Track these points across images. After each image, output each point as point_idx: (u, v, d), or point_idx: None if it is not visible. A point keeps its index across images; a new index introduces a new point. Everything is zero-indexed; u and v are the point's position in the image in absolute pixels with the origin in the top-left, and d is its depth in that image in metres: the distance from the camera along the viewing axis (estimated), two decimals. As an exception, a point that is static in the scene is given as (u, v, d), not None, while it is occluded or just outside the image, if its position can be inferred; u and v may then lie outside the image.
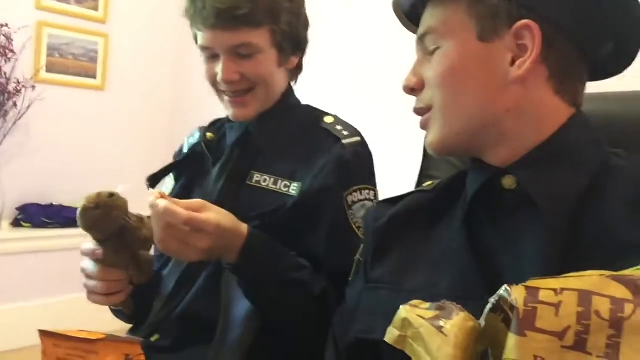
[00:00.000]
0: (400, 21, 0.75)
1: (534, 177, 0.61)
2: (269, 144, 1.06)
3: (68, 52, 2.86)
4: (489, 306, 0.48)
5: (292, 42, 1.07)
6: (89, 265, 0.93)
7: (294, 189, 1.00)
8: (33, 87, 2.60)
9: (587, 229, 0.58)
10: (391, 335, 0.53)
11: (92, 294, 0.94)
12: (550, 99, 0.64)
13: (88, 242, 0.92)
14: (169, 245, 0.83)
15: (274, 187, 1.02)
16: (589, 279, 0.47)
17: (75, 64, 2.89)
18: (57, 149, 2.83)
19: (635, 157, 0.64)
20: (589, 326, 0.43)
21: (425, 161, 1.00)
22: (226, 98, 1.05)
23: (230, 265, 0.88)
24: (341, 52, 2.40)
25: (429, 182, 0.79)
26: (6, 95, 2.52)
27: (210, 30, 0.99)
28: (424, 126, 0.70)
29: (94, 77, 2.96)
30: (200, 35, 1.02)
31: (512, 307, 0.45)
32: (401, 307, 0.52)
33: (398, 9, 0.74)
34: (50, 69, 2.78)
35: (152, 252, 0.99)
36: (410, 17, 0.73)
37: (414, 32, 0.72)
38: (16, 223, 2.68)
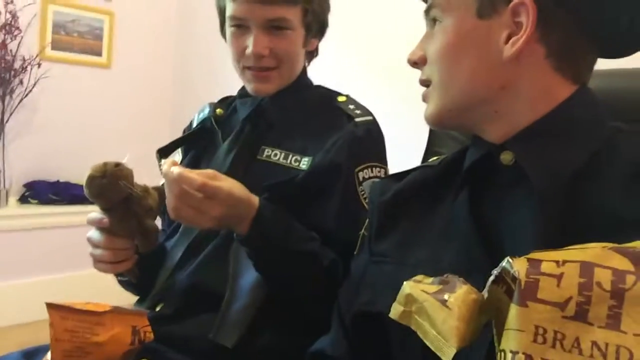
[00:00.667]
0: None
1: (529, 152, 0.61)
2: (281, 120, 1.07)
3: (73, 29, 2.85)
4: (491, 278, 0.48)
5: (318, 24, 1.10)
6: (95, 234, 0.94)
7: (304, 163, 1.01)
8: (39, 64, 2.60)
9: (585, 206, 0.58)
10: (395, 311, 0.54)
11: (99, 263, 0.96)
12: (548, 76, 0.63)
13: (94, 212, 0.93)
14: (182, 213, 0.83)
15: (284, 161, 1.02)
16: (591, 250, 0.47)
17: (80, 41, 2.88)
18: (63, 126, 2.84)
19: (633, 130, 0.63)
20: (590, 297, 0.43)
21: (431, 137, 1.00)
22: (248, 72, 1.06)
23: (241, 235, 0.89)
24: (350, 34, 2.38)
25: (435, 158, 0.79)
26: (12, 72, 2.52)
27: (246, 3, 1.00)
28: (424, 98, 0.70)
29: (99, 54, 2.96)
30: (232, 5, 1.02)
31: (514, 279, 0.45)
32: (405, 283, 0.53)
33: None
34: (55, 46, 2.78)
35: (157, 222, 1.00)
36: None
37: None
38: (24, 199, 2.70)
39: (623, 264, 0.45)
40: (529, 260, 0.47)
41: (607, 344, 0.43)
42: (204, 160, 1.12)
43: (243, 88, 1.15)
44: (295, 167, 1.01)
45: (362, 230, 0.79)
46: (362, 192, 0.99)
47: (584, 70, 0.66)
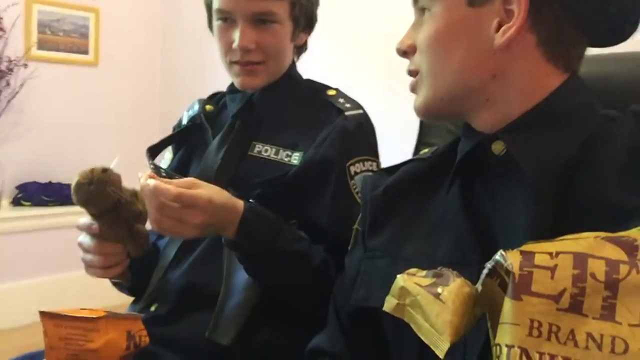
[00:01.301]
0: None
1: (521, 142, 0.61)
2: (272, 115, 1.06)
3: (59, 28, 2.82)
4: (485, 271, 0.48)
5: (307, 18, 1.08)
6: (86, 239, 0.93)
7: (295, 158, 1.00)
8: (25, 65, 2.58)
9: (579, 195, 0.58)
10: (389, 304, 0.54)
11: (90, 268, 0.95)
12: (539, 65, 0.63)
13: (84, 217, 0.92)
14: (163, 224, 0.83)
15: (275, 157, 1.02)
16: (584, 241, 0.47)
17: (66, 40, 2.86)
18: (53, 126, 2.82)
19: (624, 116, 0.63)
20: (584, 288, 0.43)
21: (423, 128, 1.00)
22: (235, 66, 1.05)
23: (228, 241, 0.88)
24: (340, 28, 2.36)
25: (425, 150, 0.79)
26: (-1, 74, 2.50)
27: None
28: (413, 89, 0.69)
29: (86, 52, 2.93)
30: None
31: (508, 272, 0.45)
32: (398, 276, 0.53)
33: None
34: (41, 46, 2.75)
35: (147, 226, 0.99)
36: None
37: None
38: (16, 202, 2.69)
39: (616, 253, 0.45)
40: (522, 252, 0.46)
41: (602, 335, 0.43)
42: (195, 158, 1.11)
43: (232, 84, 1.14)
44: (286, 163, 1.00)
45: (356, 225, 0.78)
46: (354, 186, 0.99)
47: (574, 59, 0.65)
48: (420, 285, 0.50)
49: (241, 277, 0.92)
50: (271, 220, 0.91)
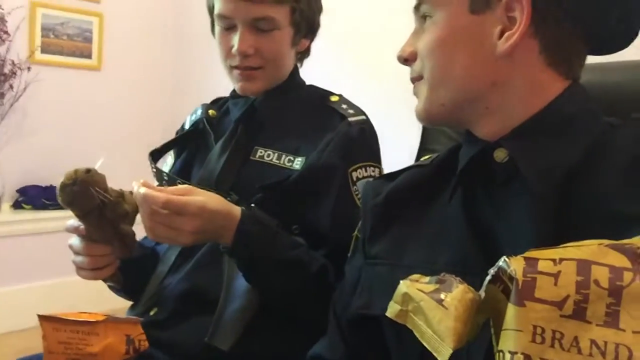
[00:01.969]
0: None
1: (524, 150, 0.60)
2: (274, 120, 1.07)
3: (63, 32, 2.83)
4: (488, 277, 0.48)
5: (308, 24, 1.09)
6: (75, 241, 0.94)
7: (297, 163, 1.00)
8: (29, 68, 2.59)
9: (581, 202, 0.58)
10: (392, 309, 0.53)
11: (80, 270, 0.96)
12: (541, 72, 0.63)
13: (72, 219, 0.93)
14: (157, 232, 0.84)
15: (277, 161, 1.02)
16: (588, 248, 0.47)
17: (70, 44, 2.86)
18: (55, 129, 2.82)
19: (626, 125, 0.63)
20: (588, 295, 0.43)
21: (425, 135, 1.00)
22: (235, 71, 1.05)
23: (226, 247, 0.88)
24: (343, 34, 2.37)
25: (426, 156, 0.79)
26: (2, 77, 2.50)
27: (233, 1, 0.99)
28: (415, 95, 0.70)
29: (89, 57, 2.94)
30: (220, 3, 1.02)
31: (511, 278, 0.45)
32: (401, 281, 0.52)
33: None
34: (45, 49, 2.76)
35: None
36: None
37: None
38: (17, 205, 2.69)
39: (620, 261, 0.45)
40: (525, 259, 0.46)
41: (605, 342, 0.42)
42: (197, 162, 1.11)
43: (235, 89, 1.14)
44: (288, 167, 1.00)
45: (356, 232, 0.78)
46: (357, 192, 0.99)
47: (575, 66, 0.65)
48: (423, 292, 0.50)
49: (241, 282, 0.92)
50: (268, 227, 0.91)
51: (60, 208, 2.86)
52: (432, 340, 0.49)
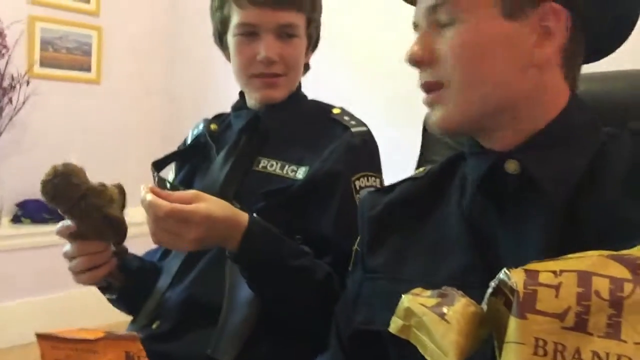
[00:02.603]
0: None
1: (539, 161, 0.61)
2: (278, 131, 1.07)
3: (62, 46, 2.84)
4: (489, 290, 0.48)
5: (316, 36, 1.12)
6: (68, 246, 0.94)
7: (301, 173, 1.01)
8: (28, 82, 2.59)
9: (587, 212, 0.58)
10: (395, 324, 0.53)
11: (77, 274, 0.95)
12: (559, 83, 0.64)
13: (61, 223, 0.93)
14: (160, 237, 0.84)
15: (280, 171, 1.02)
16: (588, 259, 0.47)
17: (69, 57, 2.87)
18: (54, 143, 2.82)
19: (623, 134, 0.64)
20: (589, 306, 0.43)
21: (424, 146, 1.00)
22: (256, 80, 1.06)
23: (231, 254, 0.88)
24: (339, 45, 2.38)
25: (421, 169, 0.79)
26: (1, 91, 2.51)
27: (258, 8, 1.01)
28: (432, 102, 0.66)
29: (88, 70, 2.95)
30: (242, 12, 1.03)
31: (513, 290, 0.45)
32: (403, 296, 0.53)
33: None
34: (44, 63, 2.77)
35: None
36: None
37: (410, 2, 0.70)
38: (16, 219, 2.68)
39: (620, 272, 0.45)
40: (526, 271, 0.47)
41: (607, 354, 0.42)
42: (199, 175, 1.12)
43: (237, 102, 1.15)
44: (291, 177, 1.01)
45: (355, 246, 0.78)
46: (359, 201, 0.99)
47: (577, 76, 0.66)
48: (425, 306, 0.50)
49: (244, 292, 0.92)
50: (274, 235, 0.91)
51: (59, 222, 2.85)
52: (435, 355, 0.49)
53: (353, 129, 1.05)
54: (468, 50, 0.62)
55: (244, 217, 0.88)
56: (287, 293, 0.92)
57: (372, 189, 0.99)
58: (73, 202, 0.88)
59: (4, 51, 2.51)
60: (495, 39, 0.61)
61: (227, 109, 1.19)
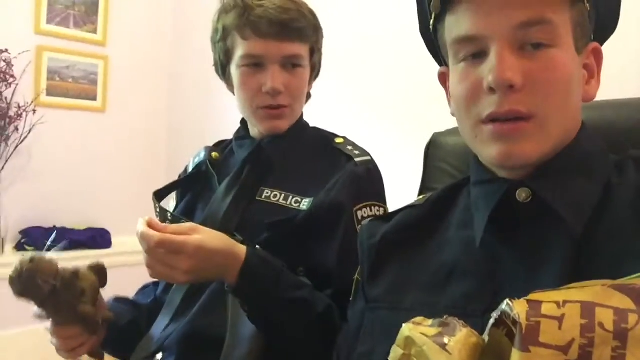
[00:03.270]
0: None
1: (552, 188, 0.60)
2: (281, 161, 1.07)
3: (68, 75, 2.88)
4: (491, 321, 0.47)
5: (319, 65, 1.13)
6: (49, 324, 0.95)
7: (305, 204, 1.00)
8: (34, 111, 2.62)
9: (599, 238, 0.58)
10: (395, 354, 0.53)
11: (58, 351, 0.98)
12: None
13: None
14: (154, 269, 0.85)
15: (284, 202, 1.02)
16: (591, 289, 0.47)
17: (75, 86, 2.91)
18: (59, 171, 2.83)
19: (626, 162, 0.64)
20: (593, 339, 0.43)
21: (426, 173, 1.00)
22: (262, 111, 1.06)
23: (230, 287, 0.88)
24: (342, 75, 2.40)
25: (420, 197, 0.79)
26: (7, 120, 2.53)
27: (263, 40, 1.02)
28: (518, 133, 0.59)
29: (94, 99, 2.98)
30: (247, 44, 1.03)
31: (515, 322, 0.45)
32: (404, 325, 0.52)
33: None
34: (50, 92, 2.80)
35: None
36: None
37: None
38: (20, 247, 2.68)
39: (624, 302, 0.45)
40: (529, 302, 0.46)
41: (613, 387, 0.42)
42: (201, 204, 1.11)
43: (239, 131, 1.15)
44: (295, 208, 1.01)
45: (356, 276, 0.78)
46: None
47: None
48: (426, 335, 0.49)
49: (247, 326, 0.91)
50: (273, 267, 0.90)
51: (65, 249, 2.84)
52: (436, 386, 0.48)
53: (357, 159, 1.05)
54: (564, 78, 0.60)
55: (241, 250, 0.88)
56: (286, 326, 0.91)
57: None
58: (42, 298, 0.89)
59: (11, 80, 2.54)
60: (575, 71, 0.62)
61: (228, 136, 1.20)
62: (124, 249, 2.85)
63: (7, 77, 2.53)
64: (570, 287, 0.48)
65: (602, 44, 0.67)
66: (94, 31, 2.95)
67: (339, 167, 1.04)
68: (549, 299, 0.46)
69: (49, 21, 2.79)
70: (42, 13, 2.75)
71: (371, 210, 1.01)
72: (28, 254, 0.88)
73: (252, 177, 1.06)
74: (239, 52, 1.05)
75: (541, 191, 0.60)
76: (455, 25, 0.62)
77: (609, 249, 0.57)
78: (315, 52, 1.10)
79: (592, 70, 0.63)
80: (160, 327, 1.01)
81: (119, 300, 1.12)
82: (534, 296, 0.47)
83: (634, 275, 0.48)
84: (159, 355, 0.99)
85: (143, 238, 0.83)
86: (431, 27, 0.68)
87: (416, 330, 0.50)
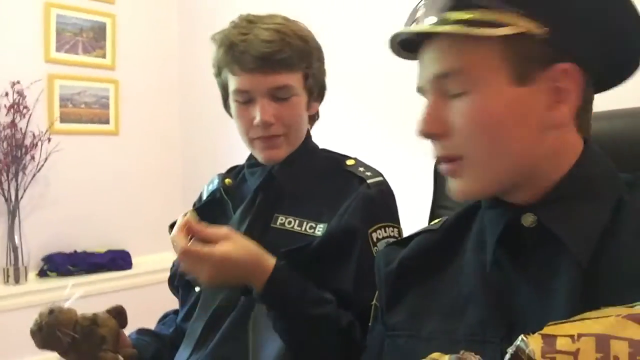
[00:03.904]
0: (394, 51, 0.70)
1: (555, 214, 0.60)
2: (293, 187, 1.08)
3: (80, 101, 2.92)
4: (507, 357, 0.48)
5: (318, 87, 1.13)
6: None
7: (319, 229, 1.01)
8: (49, 139, 2.66)
9: (607, 264, 0.58)
10: (414, 388, 0.53)
11: None
12: (574, 137, 0.64)
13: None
14: (184, 266, 0.92)
15: (299, 228, 1.03)
16: (606, 320, 0.47)
17: (88, 112, 2.95)
18: (77, 196, 2.87)
19: (637, 181, 0.63)
20: (609, 373, 0.43)
21: (437, 192, 1.00)
22: (257, 142, 1.08)
23: (256, 294, 0.92)
24: (354, 93, 2.39)
25: (436, 220, 0.79)
26: (23, 149, 2.57)
27: (249, 74, 1.03)
28: (451, 174, 0.65)
29: (107, 122, 3.02)
30: (236, 79, 1.05)
31: (530, 359, 0.45)
32: None
33: (394, 40, 0.68)
34: (64, 119, 2.84)
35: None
36: (405, 47, 0.68)
37: (412, 59, 0.69)
38: (42, 273, 2.72)
39: (638, 333, 0.44)
40: (543, 337, 0.46)
41: (631, 422, 0.42)
42: None
43: (251, 157, 1.16)
44: (310, 234, 1.02)
45: (374, 301, 0.78)
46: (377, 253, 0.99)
47: (589, 124, 0.66)
48: (443, 373, 0.50)
49: (268, 353, 0.92)
50: (299, 282, 0.93)
51: (85, 273, 2.84)
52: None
53: (369, 180, 1.06)
54: (482, 122, 0.61)
55: (270, 261, 0.92)
56: (310, 339, 0.92)
57: (390, 239, 0.99)
58: (63, 349, 0.92)
59: (25, 111, 2.58)
60: (509, 108, 0.60)
61: (240, 157, 1.21)
62: (145, 269, 2.89)
63: (21, 107, 2.57)
64: (584, 317, 0.48)
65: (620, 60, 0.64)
66: (103, 56, 2.99)
67: (352, 190, 1.05)
68: (564, 333, 0.46)
69: (58, 49, 2.83)
70: (50, 41, 2.80)
71: (385, 231, 1.02)
72: (47, 307, 0.92)
73: (265, 205, 1.07)
74: (231, 87, 1.07)
75: (545, 218, 0.60)
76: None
77: (615, 275, 0.56)
78: (309, 77, 1.09)
79: (560, 92, 0.60)
80: (182, 357, 1.02)
81: (142, 332, 1.13)
82: (548, 329, 0.47)
83: None
84: None
85: (173, 242, 0.90)
86: None
87: (433, 367, 0.51)
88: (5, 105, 2.55)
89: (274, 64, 1.02)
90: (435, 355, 0.53)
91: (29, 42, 2.73)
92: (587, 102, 0.64)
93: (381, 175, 1.09)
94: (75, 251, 2.82)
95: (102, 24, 2.97)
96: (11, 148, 2.55)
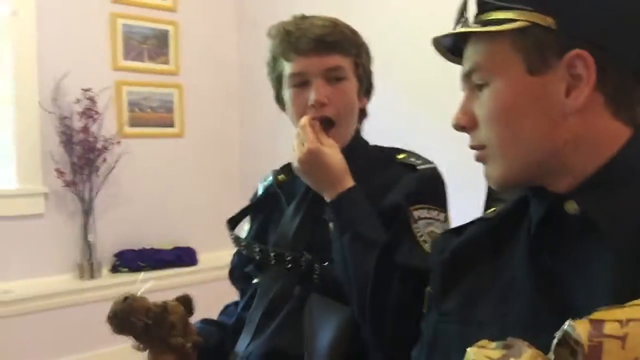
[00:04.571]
0: (443, 56, 0.76)
1: (596, 201, 0.60)
2: None
3: (146, 105, 3.06)
4: (555, 341, 0.48)
5: (367, 79, 1.16)
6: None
7: None
8: (119, 142, 2.81)
9: None
10: (461, 377, 0.54)
11: None
12: (608, 123, 0.63)
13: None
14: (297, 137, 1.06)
15: None
16: (657, 306, 0.46)
17: (154, 115, 3.09)
18: (145, 196, 3.02)
19: None
20: (657, 357, 0.43)
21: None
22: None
23: (327, 203, 1.02)
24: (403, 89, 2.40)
25: (491, 209, 0.80)
26: (96, 152, 2.73)
27: (305, 57, 1.08)
28: (481, 161, 0.70)
29: (171, 125, 3.15)
30: (291, 65, 1.10)
31: (577, 343, 0.45)
32: (468, 349, 0.53)
33: (439, 45, 0.75)
34: (132, 123, 2.99)
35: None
36: (453, 51, 0.74)
37: (459, 63, 0.73)
38: (115, 269, 2.87)
39: (690, 319, 0.44)
40: (591, 322, 0.46)
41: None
42: (272, 226, 1.17)
43: None
44: None
45: (428, 288, 0.80)
46: (417, 230, 1.01)
47: (637, 113, 0.65)
48: (491, 358, 0.51)
49: (322, 342, 0.95)
50: (368, 207, 1.01)
51: (152, 269, 2.97)
52: (504, 406, 0.49)
53: (419, 167, 1.08)
54: (500, 112, 0.66)
55: (350, 182, 1.02)
56: (361, 264, 0.96)
57: (434, 222, 1.01)
58: (137, 333, 0.98)
59: (96, 116, 2.73)
60: (524, 97, 0.64)
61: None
62: (209, 264, 2.99)
63: (93, 113, 2.73)
64: (634, 303, 0.48)
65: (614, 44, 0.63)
66: (167, 62, 3.12)
67: (402, 177, 1.07)
68: (612, 317, 0.46)
69: (124, 57, 2.98)
70: (118, 50, 2.95)
71: (429, 213, 1.03)
72: (121, 295, 0.98)
73: (318, 197, 1.10)
74: (287, 72, 1.11)
75: (585, 203, 0.61)
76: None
77: None
78: (359, 65, 1.13)
79: (579, 78, 0.61)
80: (242, 345, 1.07)
81: (206, 321, 1.19)
82: (597, 314, 0.47)
83: None
84: None
85: (301, 130, 1.05)
86: None
87: (481, 353, 0.52)
88: (78, 112, 2.71)
89: (328, 45, 1.07)
90: (483, 342, 0.54)
91: (97, 52, 2.90)
92: (621, 86, 0.63)
93: (432, 163, 1.10)
94: (144, 248, 2.96)
95: (165, 31, 3.10)
96: (85, 151, 2.71)
